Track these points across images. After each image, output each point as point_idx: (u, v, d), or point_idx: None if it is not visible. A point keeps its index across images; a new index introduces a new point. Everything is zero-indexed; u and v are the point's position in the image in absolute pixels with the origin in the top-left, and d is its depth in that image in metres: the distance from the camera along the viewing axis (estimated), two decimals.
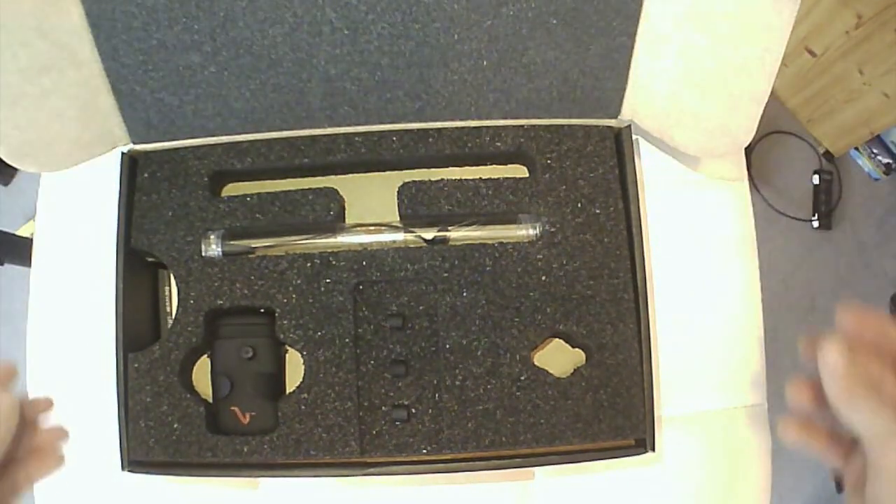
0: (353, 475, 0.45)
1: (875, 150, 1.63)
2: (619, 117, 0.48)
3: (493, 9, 0.42)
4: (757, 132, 0.46)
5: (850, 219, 1.65)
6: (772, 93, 0.44)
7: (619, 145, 0.48)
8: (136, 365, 0.45)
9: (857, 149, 1.66)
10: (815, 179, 1.64)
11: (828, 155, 1.65)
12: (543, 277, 0.46)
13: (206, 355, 0.48)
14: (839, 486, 1.44)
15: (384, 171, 0.50)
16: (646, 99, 0.47)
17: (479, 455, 0.45)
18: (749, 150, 1.52)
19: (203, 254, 0.46)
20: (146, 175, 0.48)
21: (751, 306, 0.52)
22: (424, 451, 0.45)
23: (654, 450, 0.44)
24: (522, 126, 0.48)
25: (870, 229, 1.65)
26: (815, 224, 1.63)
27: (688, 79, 0.45)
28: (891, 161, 1.63)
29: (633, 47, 0.45)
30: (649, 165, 0.52)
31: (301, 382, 0.45)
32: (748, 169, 0.55)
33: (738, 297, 0.52)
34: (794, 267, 1.61)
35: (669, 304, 0.50)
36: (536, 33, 0.43)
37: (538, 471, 0.49)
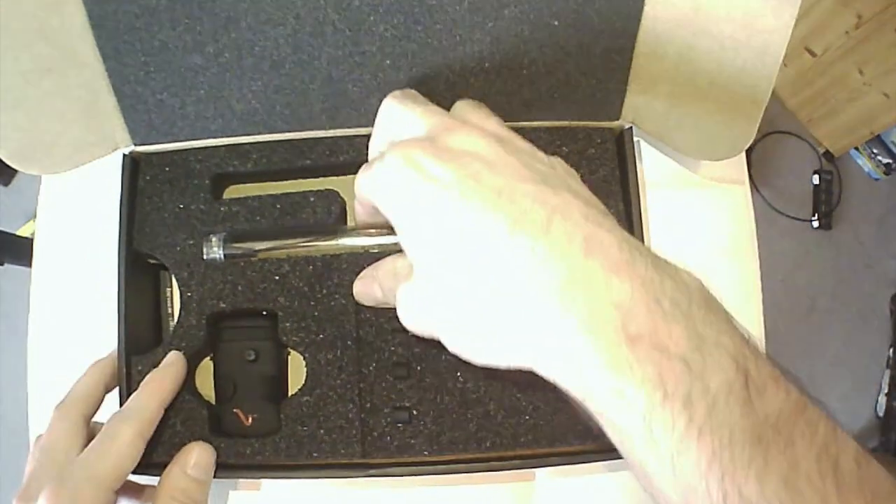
0: (356, 476, 0.45)
1: (875, 150, 1.64)
2: (619, 119, 0.48)
3: (494, 11, 0.42)
4: (757, 132, 0.46)
5: (850, 219, 1.65)
6: (772, 93, 0.45)
7: (619, 147, 0.48)
8: (139, 368, 0.45)
9: (857, 149, 1.66)
10: (815, 179, 1.65)
11: (828, 155, 1.65)
12: None
13: (208, 357, 0.48)
14: None
15: None
16: (646, 101, 0.47)
17: (481, 456, 0.45)
18: (749, 151, 1.52)
19: (205, 256, 0.46)
20: (148, 177, 0.48)
21: (751, 306, 0.52)
22: (426, 452, 0.45)
23: None
24: (523, 128, 0.48)
25: (870, 229, 1.65)
26: (815, 224, 1.63)
27: (688, 82, 0.45)
28: (891, 161, 1.63)
29: (633, 49, 0.45)
30: (650, 167, 0.52)
31: (303, 385, 0.45)
32: (748, 169, 0.55)
33: (738, 297, 0.52)
34: (794, 267, 1.61)
35: None
36: (538, 35, 0.43)
37: (539, 472, 0.49)
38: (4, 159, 0.45)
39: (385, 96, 0.35)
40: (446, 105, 0.35)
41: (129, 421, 0.40)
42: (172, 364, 0.44)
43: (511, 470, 0.46)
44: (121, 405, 0.45)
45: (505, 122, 0.48)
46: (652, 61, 0.45)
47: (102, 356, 0.46)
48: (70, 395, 0.43)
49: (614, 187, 0.47)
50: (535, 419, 0.45)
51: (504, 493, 0.49)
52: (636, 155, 0.49)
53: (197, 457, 0.42)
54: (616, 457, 0.45)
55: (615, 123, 0.48)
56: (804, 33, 1.44)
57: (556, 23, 0.43)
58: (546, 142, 0.48)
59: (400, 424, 0.45)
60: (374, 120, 0.35)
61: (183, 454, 0.42)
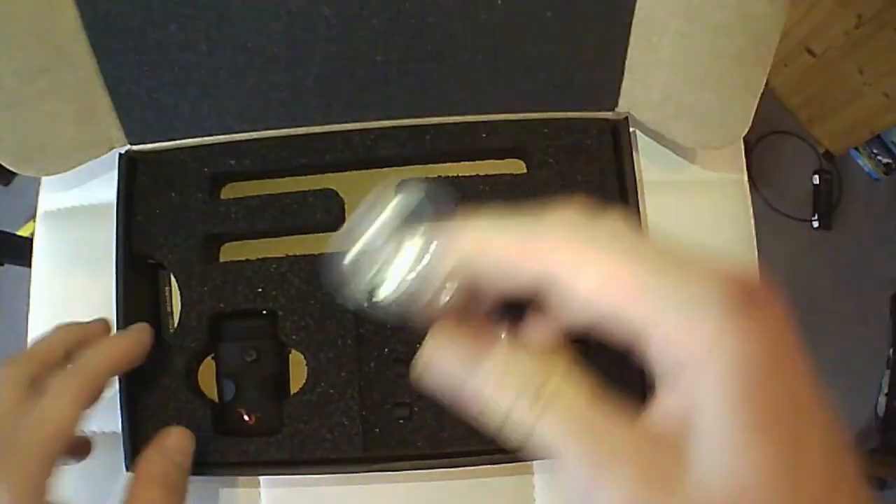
0: (357, 471, 0.45)
1: (875, 150, 1.64)
2: (615, 110, 0.48)
3: (487, 2, 0.42)
4: (757, 132, 0.46)
5: (850, 219, 1.65)
6: (772, 93, 0.45)
7: (616, 137, 0.48)
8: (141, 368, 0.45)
9: (857, 149, 1.66)
10: (815, 179, 1.64)
11: (828, 155, 1.65)
12: None
13: (210, 357, 0.48)
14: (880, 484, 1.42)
15: (382, 167, 0.50)
16: (642, 90, 0.47)
17: (480, 449, 0.45)
18: (749, 151, 1.52)
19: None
20: (146, 178, 0.48)
21: None
22: (427, 447, 0.45)
23: None
24: (518, 121, 0.48)
25: (870, 229, 1.65)
26: (815, 224, 1.63)
27: (684, 69, 0.45)
28: (891, 161, 1.63)
29: (628, 38, 0.45)
30: (649, 166, 0.52)
31: (304, 383, 0.45)
32: (748, 169, 0.55)
33: None
34: (794, 267, 1.61)
35: None
36: (531, 26, 0.43)
37: (537, 465, 0.48)
38: (2, 161, 0.45)
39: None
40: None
41: (71, 381, 0.38)
42: (134, 331, 0.42)
43: (510, 463, 0.46)
44: (120, 405, 0.44)
45: (500, 114, 0.47)
46: (647, 50, 0.45)
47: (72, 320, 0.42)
48: (24, 352, 0.39)
49: (610, 178, 0.47)
50: None
51: (505, 486, 0.48)
52: (633, 149, 0.49)
53: (176, 440, 0.41)
54: None
55: (611, 113, 0.48)
56: (804, 33, 1.44)
57: (549, 13, 0.43)
58: (542, 135, 0.48)
59: (401, 420, 0.45)
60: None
61: (161, 437, 0.41)
